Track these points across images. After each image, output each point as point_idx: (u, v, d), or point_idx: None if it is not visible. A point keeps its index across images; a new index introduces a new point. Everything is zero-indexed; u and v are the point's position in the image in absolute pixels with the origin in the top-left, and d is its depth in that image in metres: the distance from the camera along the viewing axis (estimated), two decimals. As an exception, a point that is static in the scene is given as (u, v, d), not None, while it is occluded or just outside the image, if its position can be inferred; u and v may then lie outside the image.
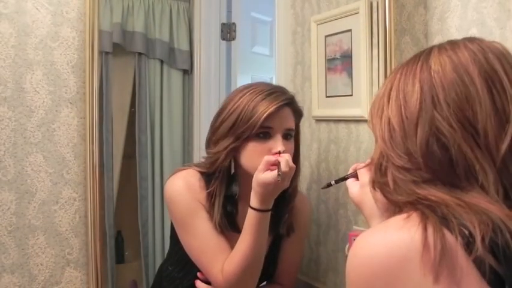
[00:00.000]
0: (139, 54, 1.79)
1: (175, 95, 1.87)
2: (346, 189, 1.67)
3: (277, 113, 1.25)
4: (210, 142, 1.31)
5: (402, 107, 0.73)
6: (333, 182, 1.11)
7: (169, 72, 1.86)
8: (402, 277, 0.59)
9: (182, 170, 1.34)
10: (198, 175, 1.31)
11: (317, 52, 1.65)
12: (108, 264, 1.60)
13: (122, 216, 1.72)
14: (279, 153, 1.23)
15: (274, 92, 1.29)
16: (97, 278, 1.40)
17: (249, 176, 1.25)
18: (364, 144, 1.53)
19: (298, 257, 1.50)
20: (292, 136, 1.32)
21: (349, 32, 1.52)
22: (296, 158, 1.34)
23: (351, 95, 1.53)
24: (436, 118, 0.68)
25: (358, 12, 1.47)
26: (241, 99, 1.27)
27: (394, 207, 0.71)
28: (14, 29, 1.34)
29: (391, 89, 0.76)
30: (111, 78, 1.65)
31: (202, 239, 1.26)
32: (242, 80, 2.22)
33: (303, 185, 1.76)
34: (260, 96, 1.26)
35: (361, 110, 1.48)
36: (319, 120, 1.68)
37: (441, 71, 0.71)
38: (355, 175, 1.02)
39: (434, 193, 0.66)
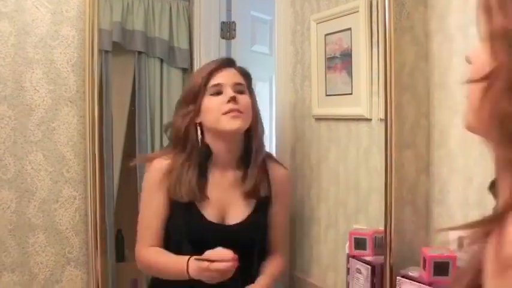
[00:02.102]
0: (139, 52, 1.79)
1: (175, 93, 1.87)
2: (346, 189, 1.68)
3: (221, 70, 1.35)
4: (172, 119, 1.41)
5: None
6: None
7: (169, 70, 1.86)
8: None
9: (156, 156, 1.44)
10: (168, 160, 1.37)
11: (317, 51, 1.65)
12: (108, 263, 1.60)
13: (122, 215, 1.72)
14: (233, 99, 1.29)
15: (214, 60, 1.43)
16: (97, 277, 1.39)
17: (215, 137, 1.33)
18: (364, 143, 1.53)
19: (284, 224, 1.52)
20: (245, 91, 1.38)
21: (349, 31, 1.52)
22: (255, 116, 1.40)
23: (351, 94, 1.53)
24: None
25: (358, 11, 1.47)
26: (193, 78, 1.41)
27: None
28: (14, 27, 1.34)
29: None
30: (111, 77, 1.65)
31: (147, 216, 1.37)
32: (242, 78, 2.22)
33: (303, 185, 1.76)
34: (203, 66, 1.42)
35: (361, 108, 1.48)
36: (319, 119, 1.68)
37: None
38: None
39: None
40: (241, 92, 1.36)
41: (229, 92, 1.32)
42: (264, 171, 1.42)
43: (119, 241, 1.71)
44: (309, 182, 1.71)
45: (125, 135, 1.76)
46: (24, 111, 1.36)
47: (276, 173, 1.46)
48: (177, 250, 1.36)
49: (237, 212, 1.37)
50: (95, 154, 1.40)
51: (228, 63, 1.40)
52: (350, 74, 1.53)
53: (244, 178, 1.38)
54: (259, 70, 2.32)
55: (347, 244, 1.51)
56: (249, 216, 1.39)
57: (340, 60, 1.57)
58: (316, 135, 1.70)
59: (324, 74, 1.63)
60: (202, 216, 1.34)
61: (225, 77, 1.35)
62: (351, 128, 1.57)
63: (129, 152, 1.75)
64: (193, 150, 1.34)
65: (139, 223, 1.41)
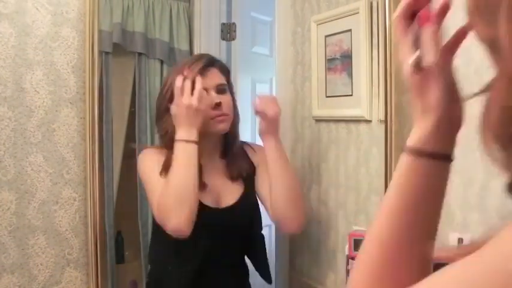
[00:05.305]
0: (139, 54, 1.79)
1: (175, 95, 1.87)
2: (346, 190, 1.68)
3: (205, 73, 1.39)
4: (157, 119, 1.43)
5: None
6: None
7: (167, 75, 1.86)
8: None
9: (151, 147, 1.48)
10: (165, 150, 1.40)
11: (317, 52, 1.65)
12: (108, 264, 1.60)
13: (121, 216, 1.72)
14: (218, 105, 1.37)
15: (195, 59, 1.44)
16: (97, 278, 1.39)
17: (201, 136, 1.35)
18: (364, 144, 1.53)
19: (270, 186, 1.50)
20: (226, 90, 1.45)
21: (349, 32, 1.52)
22: (234, 107, 1.48)
23: (351, 95, 1.53)
24: None
25: (358, 12, 1.47)
26: (172, 75, 1.40)
27: None
28: (14, 29, 1.34)
29: None
30: (111, 78, 1.65)
31: (155, 184, 1.33)
32: (242, 80, 2.21)
33: (303, 185, 1.76)
34: (185, 65, 1.41)
35: (361, 110, 1.48)
36: (319, 120, 1.68)
37: None
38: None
39: None
40: (223, 92, 1.43)
41: (214, 97, 1.39)
42: (244, 155, 1.53)
43: (118, 242, 1.71)
44: (308, 184, 1.71)
45: (125, 137, 1.76)
46: (24, 112, 1.36)
47: (254, 152, 1.55)
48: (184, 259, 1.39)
49: (229, 196, 1.45)
50: (95, 155, 1.40)
51: (210, 62, 1.43)
52: (350, 75, 1.53)
53: (228, 165, 1.48)
54: (259, 71, 2.32)
55: (347, 246, 1.51)
56: (240, 197, 1.46)
57: (341, 62, 1.57)
58: (316, 137, 1.70)
59: (324, 75, 1.63)
60: (199, 202, 1.36)
61: (209, 81, 1.40)
62: (351, 129, 1.57)
63: (129, 153, 1.75)
64: None
65: (151, 194, 1.35)
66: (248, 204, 1.49)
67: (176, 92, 1.32)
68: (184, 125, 1.31)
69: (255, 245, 1.52)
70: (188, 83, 1.33)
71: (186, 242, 1.30)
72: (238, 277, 1.50)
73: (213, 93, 1.40)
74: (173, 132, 1.35)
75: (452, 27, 0.64)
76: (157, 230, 1.37)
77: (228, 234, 1.38)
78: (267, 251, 1.58)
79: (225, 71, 1.49)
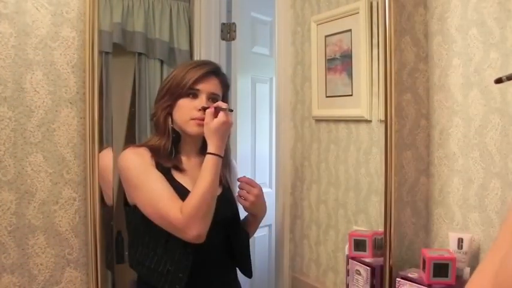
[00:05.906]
0: (140, 54, 1.79)
1: (175, 95, 1.87)
2: (346, 190, 1.68)
3: (203, 78, 1.46)
4: (154, 108, 1.50)
5: None
6: (504, 78, 0.96)
7: (170, 72, 1.86)
8: None
9: (132, 147, 1.49)
10: (146, 149, 1.44)
11: (317, 52, 1.66)
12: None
13: (121, 216, 1.72)
14: (204, 109, 1.42)
15: (202, 63, 1.54)
16: (97, 278, 1.39)
17: (184, 134, 1.47)
18: (364, 144, 1.53)
19: None
20: (218, 101, 1.48)
21: (349, 32, 1.52)
22: None
23: (351, 95, 1.53)
24: None
25: (358, 13, 1.47)
26: (176, 71, 1.50)
27: None
28: (14, 29, 1.34)
29: None
30: (111, 78, 1.64)
31: (158, 189, 1.38)
32: (242, 80, 2.21)
33: (303, 184, 1.76)
34: (190, 66, 1.51)
35: (361, 110, 1.48)
36: (319, 120, 1.69)
37: None
38: None
39: None
40: (214, 101, 1.47)
41: (203, 101, 1.45)
42: (227, 165, 1.56)
43: (118, 242, 1.71)
44: (308, 183, 1.71)
45: (125, 137, 1.76)
46: (24, 112, 1.36)
47: (233, 169, 1.62)
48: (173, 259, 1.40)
49: None
50: (95, 155, 1.40)
51: (213, 72, 1.50)
52: (350, 75, 1.53)
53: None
54: (259, 71, 2.32)
55: (347, 245, 1.51)
56: (222, 191, 1.49)
57: (341, 62, 1.57)
58: (316, 137, 1.70)
59: (324, 76, 1.63)
60: (183, 186, 1.43)
61: (205, 86, 1.46)
62: (351, 129, 1.57)
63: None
64: (169, 134, 1.48)
65: (153, 201, 1.38)
66: (230, 197, 1.53)
67: (208, 115, 1.39)
68: (217, 140, 1.39)
69: (239, 238, 1.53)
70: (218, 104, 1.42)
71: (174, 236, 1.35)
72: (227, 267, 1.52)
73: (203, 98, 1.45)
74: (165, 119, 1.45)
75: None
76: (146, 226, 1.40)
77: (213, 224, 1.37)
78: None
79: (225, 85, 1.54)
